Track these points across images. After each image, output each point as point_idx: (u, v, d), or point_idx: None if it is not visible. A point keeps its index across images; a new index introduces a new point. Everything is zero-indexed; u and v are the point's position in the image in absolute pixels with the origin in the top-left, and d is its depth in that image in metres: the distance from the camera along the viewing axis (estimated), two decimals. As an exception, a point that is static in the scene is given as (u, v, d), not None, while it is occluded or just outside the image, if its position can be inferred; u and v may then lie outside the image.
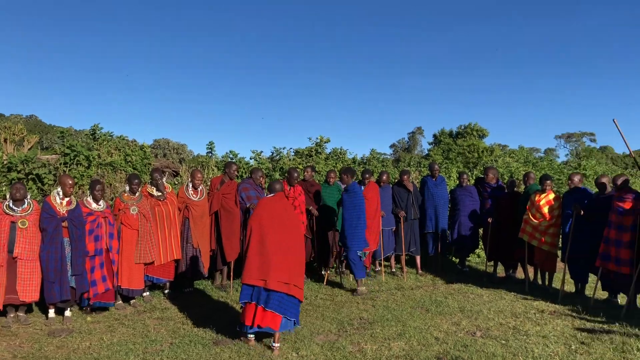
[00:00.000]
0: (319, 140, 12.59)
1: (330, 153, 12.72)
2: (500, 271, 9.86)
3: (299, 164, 11.55)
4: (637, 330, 6.01)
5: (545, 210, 8.26)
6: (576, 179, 8.26)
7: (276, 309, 5.30)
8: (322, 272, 9.17)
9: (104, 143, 10.55)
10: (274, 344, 5.33)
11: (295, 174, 8.28)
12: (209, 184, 8.82)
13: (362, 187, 8.96)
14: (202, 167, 11.02)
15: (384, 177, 9.36)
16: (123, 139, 11.08)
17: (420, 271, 9.67)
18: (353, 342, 5.58)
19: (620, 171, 19.60)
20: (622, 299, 7.51)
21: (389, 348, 5.38)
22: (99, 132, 10.89)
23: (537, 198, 8.39)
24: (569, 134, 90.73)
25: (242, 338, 5.57)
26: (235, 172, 8.38)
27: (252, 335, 5.50)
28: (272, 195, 5.71)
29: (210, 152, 11.88)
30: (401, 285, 8.70)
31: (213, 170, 10.86)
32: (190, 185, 7.85)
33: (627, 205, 7.06)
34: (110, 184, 9.25)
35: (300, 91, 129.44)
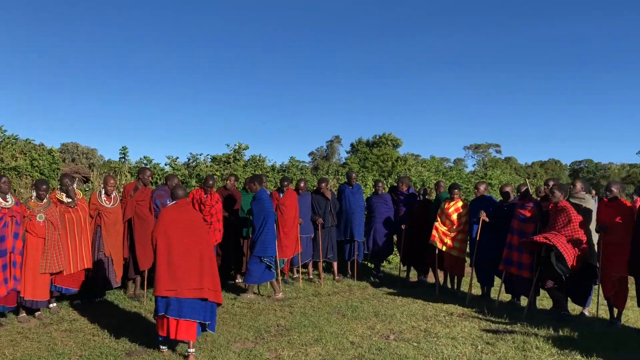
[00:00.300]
0: (237, 147, 12.50)
1: (249, 160, 12.65)
2: (413, 276, 10.23)
3: (216, 170, 11.42)
4: (536, 330, 6.45)
5: (454, 217, 8.68)
6: (482, 187, 8.75)
7: (189, 316, 5.25)
8: (237, 280, 9.14)
9: (8, 147, 9.93)
10: (189, 350, 5.27)
11: (211, 182, 8.18)
12: (122, 190, 8.54)
13: (281, 195, 9.03)
14: (115, 172, 10.63)
15: (302, 185, 9.47)
16: (29, 143, 10.47)
17: (337, 277, 9.84)
18: (270, 349, 5.60)
19: (522, 181, 20.87)
20: (523, 300, 8.01)
21: (306, 354, 5.44)
22: (1, 134, 10.25)
23: (446, 206, 8.80)
24: (476, 145, 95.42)
25: (159, 348, 5.45)
26: (150, 179, 8.17)
27: (164, 347, 5.40)
28: (174, 202, 5.64)
29: (124, 158, 11.48)
30: (318, 291, 8.82)
31: (126, 176, 10.52)
32: (103, 192, 7.58)
33: (528, 213, 7.56)
34: (15, 190, 8.73)
35: (219, 96, 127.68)
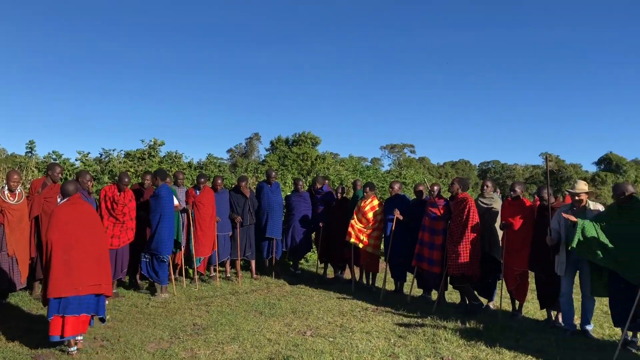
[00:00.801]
0: (152, 143, 12.17)
1: (164, 156, 12.35)
2: (330, 273, 10.40)
3: (130, 167, 11.07)
4: (445, 322, 6.77)
5: (370, 215, 8.93)
6: (396, 186, 9.05)
7: (87, 311, 5.31)
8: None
9: None
10: (78, 338, 5.34)
11: (126, 179, 7.91)
12: (28, 186, 8.09)
13: (198, 192, 8.91)
14: (20, 167, 10.04)
15: (219, 182, 9.38)
16: None
17: (255, 275, 9.83)
18: (186, 348, 5.53)
19: (434, 180, 21.71)
20: (434, 295, 8.37)
21: (223, 352, 5.42)
22: None
23: (362, 204, 9.03)
24: (392, 145, 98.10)
25: (66, 350, 5.24)
26: (59, 175, 7.80)
27: (73, 349, 5.22)
28: (65, 200, 5.46)
29: (30, 152, 10.86)
30: (236, 289, 8.78)
31: (33, 171, 9.97)
32: (7, 188, 7.15)
33: (439, 211, 7.91)
34: None
35: (133, 90, 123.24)
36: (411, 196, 10.16)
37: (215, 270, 9.53)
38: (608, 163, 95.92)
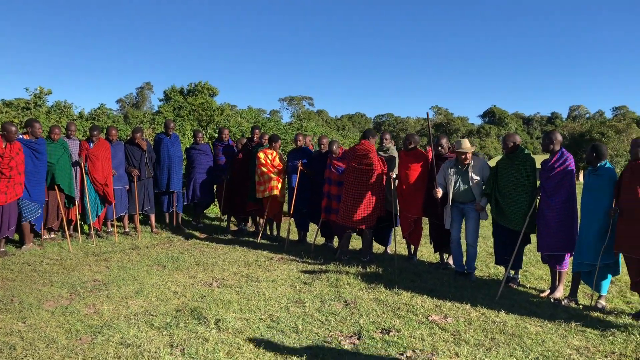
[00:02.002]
0: (38, 92, 11.29)
1: (52, 107, 11.51)
2: (233, 225, 10.41)
3: (14, 117, 10.24)
4: (347, 268, 7.06)
5: (268, 167, 8.96)
6: (300, 138, 9.11)
7: None
8: (47, 236, 8.47)
9: None
10: None
11: (14, 128, 7.33)
12: None
13: (91, 145, 8.48)
14: None
15: (113, 132, 8.96)
16: None
17: (155, 229, 9.61)
18: (88, 304, 5.35)
19: (334, 133, 22.08)
20: (337, 242, 8.66)
21: (127, 307, 5.31)
22: None
23: (270, 156, 9.04)
24: (290, 97, 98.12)
25: None
26: None
27: None
28: None
29: None
30: (136, 244, 8.56)
31: None
32: None
33: (344, 164, 8.10)
34: None
35: (12, 32, 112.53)
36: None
37: (112, 226, 9.20)
38: (492, 116, 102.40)
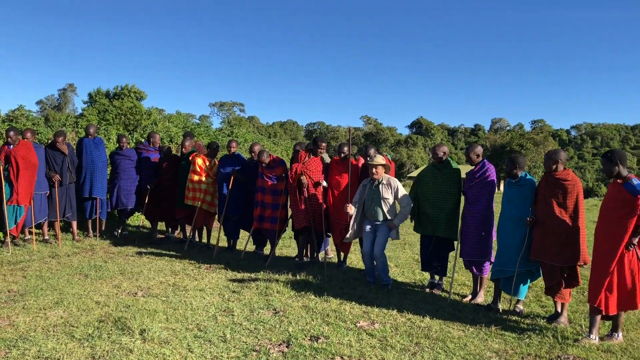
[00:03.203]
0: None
1: (-36, 107, 10.85)
2: (160, 232, 10.16)
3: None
4: (277, 276, 7.04)
5: (203, 174, 8.85)
6: (234, 145, 9.03)
7: None
8: None
9: None
10: None
11: None
12: None
13: (11, 147, 8.05)
14: None
15: (28, 135, 8.55)
16: None
17: (77, 237, 9.22)
18: (1, 316, 5.06)
19: (265, 140, 22.03)
20: (268, 250, 8.64)
21: (46, 318, 5.07)
22: None
23: (203, 163, 8.94)
24: (221, 103, 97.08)
25: None
26: None
27: None
28: None
29: None
30: (56, 252, 8.17)
31: None
32: None
33: (277, 172, 8.10)
34: None
35: None
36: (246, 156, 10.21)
37: (30, 233, 8.75)
38: (419, 127, 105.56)
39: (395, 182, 6.87)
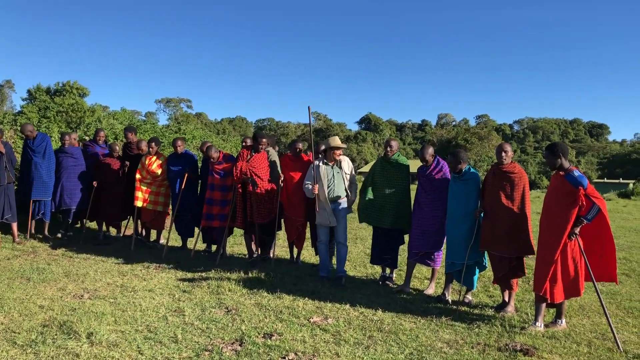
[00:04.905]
0: None
1: None
2: (114, 232, 9.90)
3: None
4: (229, 274, 6.96)
5: (158, 172, 8.69)
6: (179, 143, 8.84)
7: None
8: None
9: None
10: None
11: None
12: None
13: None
14: None
15: None
16: None
17: (17, 239, 8.84)
18: (-64, 325, 4.80)
19: (214, 137, 21.73)
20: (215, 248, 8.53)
21: (-15, 325, 4.84)
22: None
23: (147, 161, 8.72)
24: (168, 99, 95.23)
25: None
26: None
27: None
28: None
29: None
30: (-6, 256, 7.82)
31: None
32: None
33: (225, 167, 7.99)
34: None
35: None
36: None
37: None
38: (368, 122, 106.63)
39: (346, 158, 7.14)
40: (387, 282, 6.85)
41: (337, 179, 6.89)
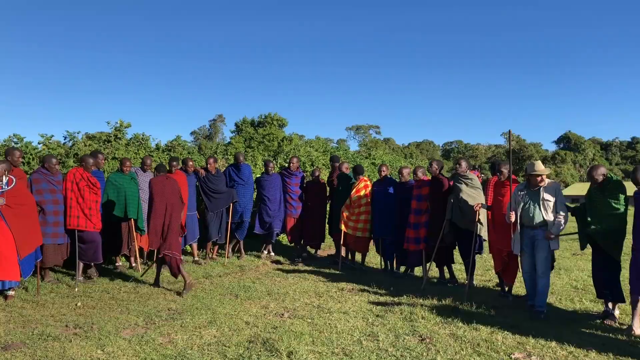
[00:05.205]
0: (118, 125, 11.82)
1: (131, 139, 12.02)
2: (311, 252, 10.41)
3: (96, 150, 10.76)
4: (421, 300, 6.81)
5: (362, 201, 9.12)
6: (384, 169, 9.23)
7: None
8: (118, 264, 8.79)
9: None
10: None
11: (91, 161, 7.70)
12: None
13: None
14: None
15: (190, 163, 9.25)
16: None
17: (228, 255, 9.75)
18: (162, 333, 5.41)
19: (402, 160, 21.84)
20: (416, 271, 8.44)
21: (201, 336, 5.32)
22: None
23: (355, 189, 9.22)
24: (357, 126, 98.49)
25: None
26: (19, 159, 7.44)
27: None
28: None
29: (-8, 137, 10.48)
30: (209, 273, 8.65)
31: (-6, 156, 9.58)
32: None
33: (424, 191, 8.16)
34: None
35: (95, 71, 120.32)
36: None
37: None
38: (567, 142, 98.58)
39: (556, 184, 6.51)
40: (608, 319, 6.08)
41: (533, 202, 6.35)
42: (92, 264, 7.91)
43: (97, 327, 5.56)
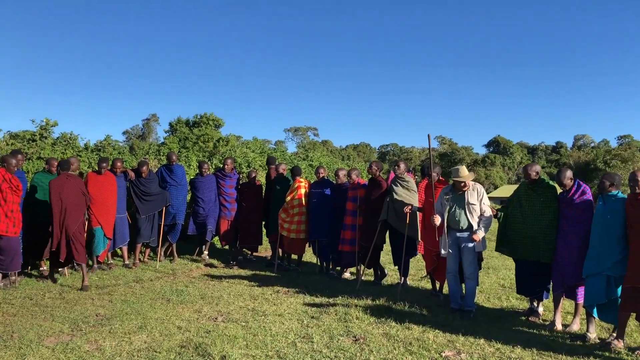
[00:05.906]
0: (44, 123, 11.28)
1: (58, 138, 11.50)
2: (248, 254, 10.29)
3: (19, 149, 10.21)
4: (356, 301, 6.87)
5: (295, 202, 9.09)
6: (322, 171, 9.26)
7: None
8: (42, 268, 8.38)
9: None
10: None
11: (14, 161, 7.28)
12: None
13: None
14: None
15: (119, 164, 8.93)
16: None
17: (161, 259, 9.48)
18: (89, 340, 5.19)
19: (339, 162, 22.02)
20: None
21: (130, 342, 5.15)
22: None
23: (291, 190, 9.27)
24: (295, 128, 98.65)
25: None
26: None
27: None
28: None
29: None
30: (140, 277, 8.40)
31: None
32: None
33: (360, 193, 8.32)
34: None
35: (17, 67, 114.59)
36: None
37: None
38: (496, 145, 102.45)
39: (481, 188, 6.64)
40: (533, 316, 6.34)
41: (459, 207, 6.51)
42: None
43: (17, 335, 5.27)
